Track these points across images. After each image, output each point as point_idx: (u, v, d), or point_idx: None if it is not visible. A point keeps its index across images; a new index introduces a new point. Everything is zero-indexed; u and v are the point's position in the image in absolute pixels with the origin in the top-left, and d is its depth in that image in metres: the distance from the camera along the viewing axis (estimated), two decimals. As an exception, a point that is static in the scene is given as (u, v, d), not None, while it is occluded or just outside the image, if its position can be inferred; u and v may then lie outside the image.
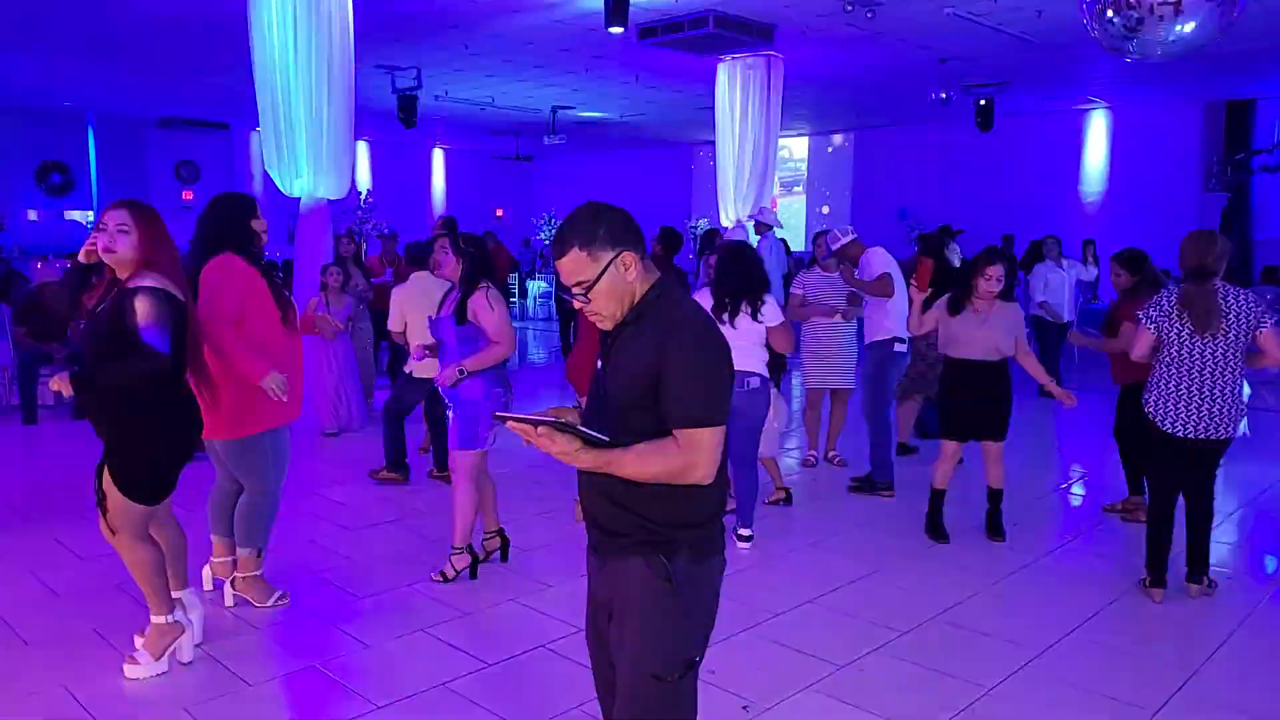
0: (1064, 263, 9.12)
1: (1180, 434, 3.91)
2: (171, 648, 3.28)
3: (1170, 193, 13.77)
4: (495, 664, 3.39)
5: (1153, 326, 3.93)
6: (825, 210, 17.96)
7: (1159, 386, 3.96)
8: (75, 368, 3.19)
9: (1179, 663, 3.44)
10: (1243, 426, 3.95)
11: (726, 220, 10.50)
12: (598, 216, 1.90)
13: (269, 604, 3.85)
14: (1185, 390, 3.88)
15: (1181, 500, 4.08)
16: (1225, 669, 3.42)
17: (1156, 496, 4.09)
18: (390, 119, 12.58)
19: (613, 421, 1.89)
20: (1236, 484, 5.71)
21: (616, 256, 1.88)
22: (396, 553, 4.60)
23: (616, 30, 7.77)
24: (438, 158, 20.52)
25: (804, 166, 18.57)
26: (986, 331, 4.54)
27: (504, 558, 4.40)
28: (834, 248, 5.91)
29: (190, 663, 3.34)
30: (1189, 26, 4.80)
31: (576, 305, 1.93)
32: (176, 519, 3.45)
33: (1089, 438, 7.17)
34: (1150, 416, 4.00)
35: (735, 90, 10.18)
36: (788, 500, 5.36)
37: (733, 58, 9.99)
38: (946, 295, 4.72)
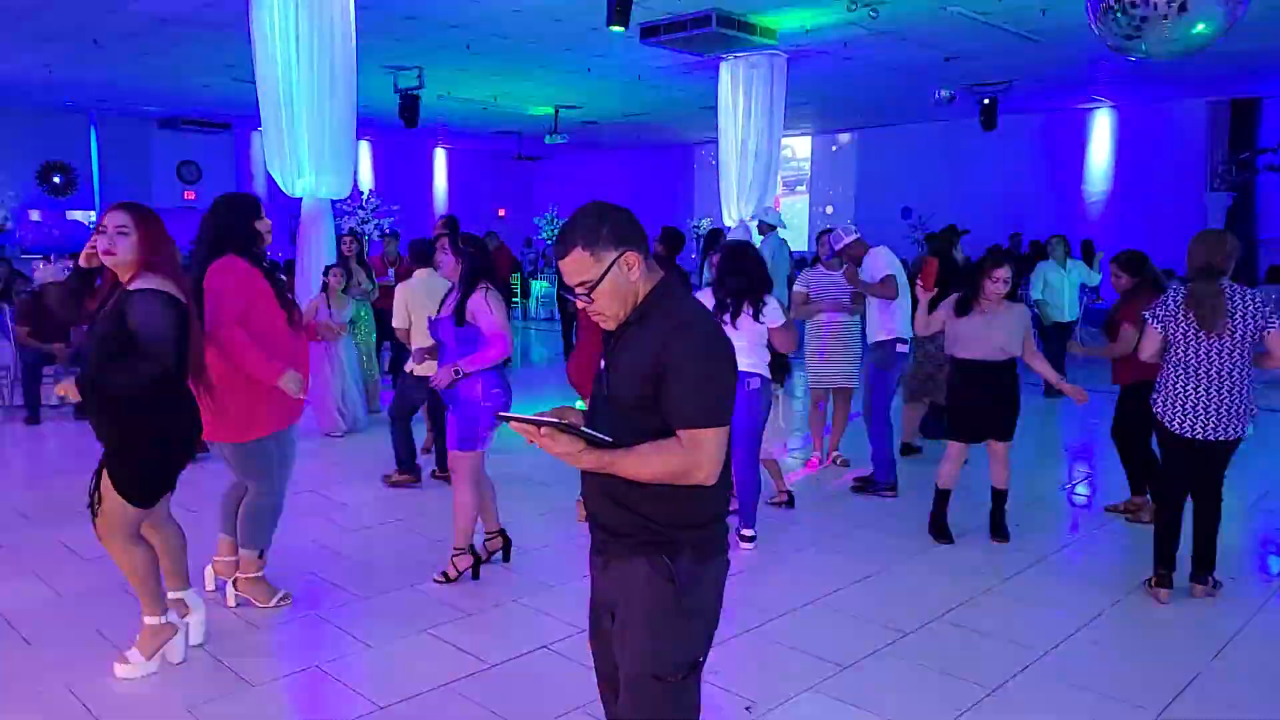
0: (1068, 263, 9.09)
1: (1188, 435, 3.90)
2: (163, 648, 3.28)
3: (1175, 192, 13.74)
4: (498, 664, 3.38)
5: (1160, 326, 3.92)
6: (829, 210, 17.94)
7: (1166, 387, 3.95)
8: (78, 368, 3.18)
9: (1183, 663, 3.43)
10: (1248, 429, 3.93)
11: (729, 220, 10.49)
12: (601, 216, 1.89)
13: (271, 604, 3.84)
14: (1192, 390, 3.87)
15: (1188, 500, 4.07)
16: (1229, 669, 3.41)
17: (1165, 497, 4.08)
18: (392, 119, 12.58)
19: (615, 422, 1.88)
20: (1240, 484, 5.69)
21: (619, 256, 1.87)
22: (399, 553, 4.59)
23: (617, 30, 7.76)
24: (440, 157, 20.53)
25: (807, 166, 18.55)
26: (993, 332, 4.53)
27: (506, 558, 4.40)
28: (837, 247, 5.90)
29: (182, 663, 3.34)
30: (1194, 25, 4.78)
31: (579, 305, 1.92)
32: (176, 520, 3.45)
33: (1092, 438, 7.16)
34: (1158, 417, 3.99)
35: (738, 89, 10.16)
36: (790, 503, 5.35)
37: (735, 56, 9.97)
38: (953, 295, 4.70)
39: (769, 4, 8.35)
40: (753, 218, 10.08)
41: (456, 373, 3.94)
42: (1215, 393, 3.83)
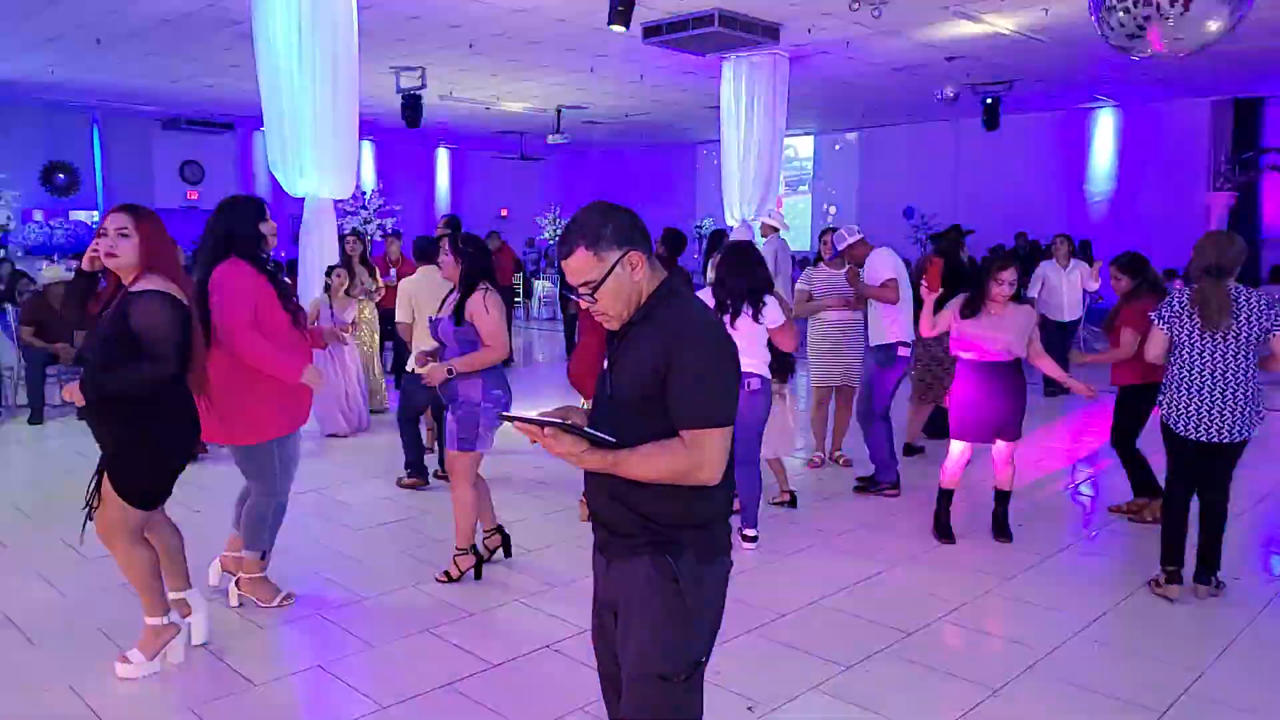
0: (1071, 263, 9.07)
1: (1192, 436, 3.90)
2: (164, 648, 3.29)
3: (1178, 191, 13.72)
4: (500, 664, 3.38)
5: (1165, 327, 3.92)
6: (832, 210, 17.94)
7: (1172, 389, 3.95)
8: (82, 370, 3.19)
9: (1186, 664, 3.42)
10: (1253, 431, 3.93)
11: (732, 219, 10.49)
12: (604, 216, 1.89)
13: (274, 604, 3.85)
14: (1197, 392, 3.86)
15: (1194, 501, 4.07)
16: (1233, 670, 3.40)
17: (1171, 497, 4.08)
18: (395, 119, 12.59)
19: (619, 421, 1.88)
20: (1244, 485, 5.67)
21: (623, 256, 1.87)
22: (401, 553, 4.60)
23: (618, 29, 7.76)
24: (442, 157, 20.55)
25: (809, 165, 18.55)
26: (999, 333, 4.53)
27: (507, 553, 4.39)
28: (840, 248, 5.89)
29: (183, 663, 3.34)
30: (1197, 24, 4.77)
31: (583, 305, 1.92)
32: (171, 520, 3.45)
33: (1096, 438, 7.15)
34: (1164, 418, 3.99)
35: (740, 89, 10.16)
36: (792, 503, 5.34)
37: (738, 56, 9.96)
38: (959, 296, 4.70)
39: (772, 3, 8.34)
40: (755, 218, 10.07)
41: (450, 372, 3.95)
42: (1219, 394, 3.83)
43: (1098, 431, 7.13)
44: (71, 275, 3.44)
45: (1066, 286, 8.91)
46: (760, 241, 9.40)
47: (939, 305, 4.77)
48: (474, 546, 4.20)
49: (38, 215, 15.12)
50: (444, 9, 8.54)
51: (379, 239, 12.47)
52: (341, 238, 8.07)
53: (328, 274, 7.09)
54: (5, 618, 3.77)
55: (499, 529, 4.41)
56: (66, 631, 3.63)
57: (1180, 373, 3.91)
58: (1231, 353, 3.80)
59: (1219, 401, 3.83)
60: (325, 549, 4.65)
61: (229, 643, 3.54)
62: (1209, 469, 3.97)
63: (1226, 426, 3.84)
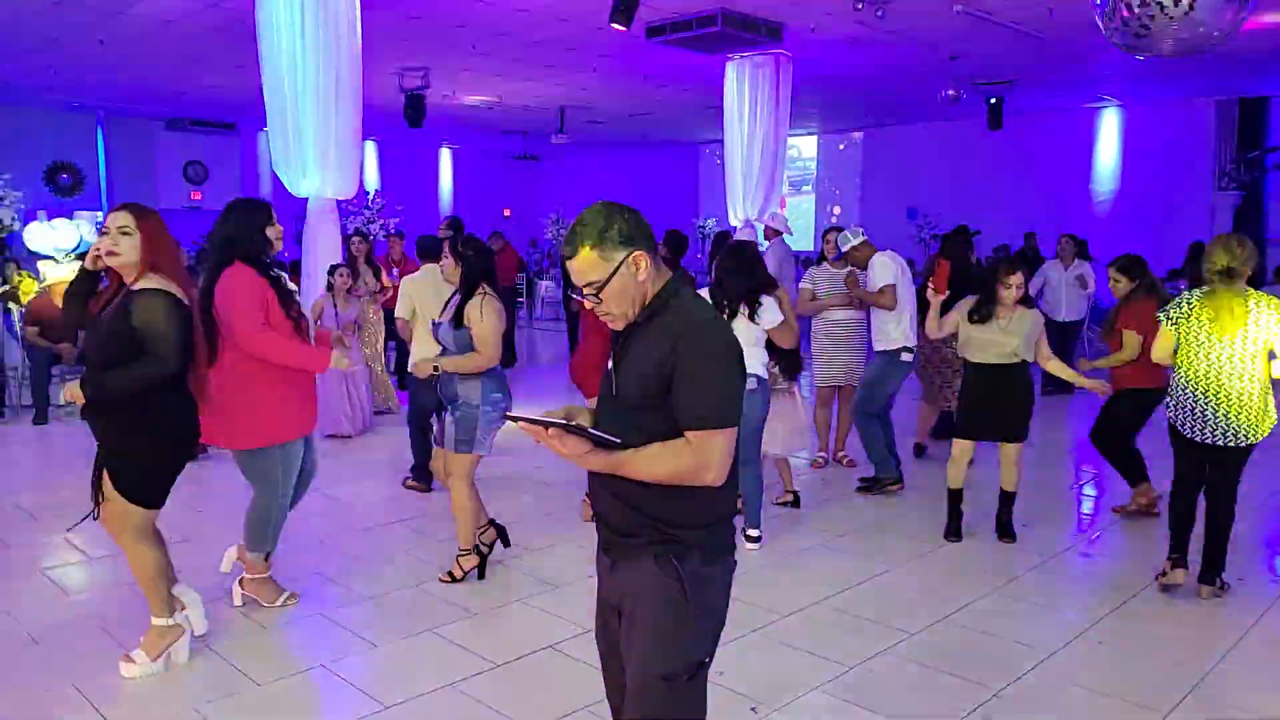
0: (1075, 263, 9.07)
1: (1197, 438, 3.90)
2: (169, 649, 3.29)
3: (1183, 191, 13.69)
4: (503, 664, 3.38)
5: (1173, 327, 3.92)
6: (836, 211, 17.92)
7: (1179, 390, 3.95)
8: (84, 369, 3.20)
9: (1190, 665, 3.42)
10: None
11: (735, 220, 10.48)
12: (609, 216, 1.89)
13: (278, 604, 3.85)
14: (1203, 394, 3.86)
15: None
16: (1237, 671, 3.40)
17: (1177, 496, 4.10)
18: (397, 119, 12.59)
19: (623, 422, 1.88)
20: (1251, 486, 5.66)
21: (628, 256, 1.87)
22: (405, 553, 4.60)
23: (619, 27, 7.76)
24: (445, 157, 20.56)
25: (813, 165, 18.53)
26: (1007, 337, 4.55)
27: (505, 543, 4.37)
28: (843, 249, 5.89)
29: (187, 663, 3.34)
30: (1201, 23, 4.76)
31: (587, 305, 1.92)
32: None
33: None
34: (1170, 420, 3.99)
35: (744, 89, 10.15)
36: (795, 503, 5.34)
37: (741, 56, 9.96)
38: (967, 298, 4.70)
39: (776, 3, 8.33)
40: (759, 219, 10.07)
41: (435, 369, 3.97)
42: (1223, 397, 3.82)
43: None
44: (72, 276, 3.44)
45: (1067, 286, 8.92)
46: (763, 245, 9.41)
47: (946, 307, 4.77)
48: (478, 547, 4.20)
49: (41, 215, 15.13)
50: (447, 9, 8.54)
51: (382, 239, 12.47)
52: (346, 238, 8.07)
53: (330, 273, 7.10)
54: (9, 617, 3.77)
55: (491, 522, 4.39)
56: (71, 631, 3.63)
57: (1188, 374, 3.90)
58: (1240, 356, 3.79)
59: (1225, 404, 3.82)
60: (329, 549, 4.65)
61: (232, 643, 3.54)
62: (1214, 471, 3.97)
63: (1231, 430, 3.84)
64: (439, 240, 5.69)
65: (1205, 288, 3.88)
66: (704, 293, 4.59)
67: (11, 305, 8.36)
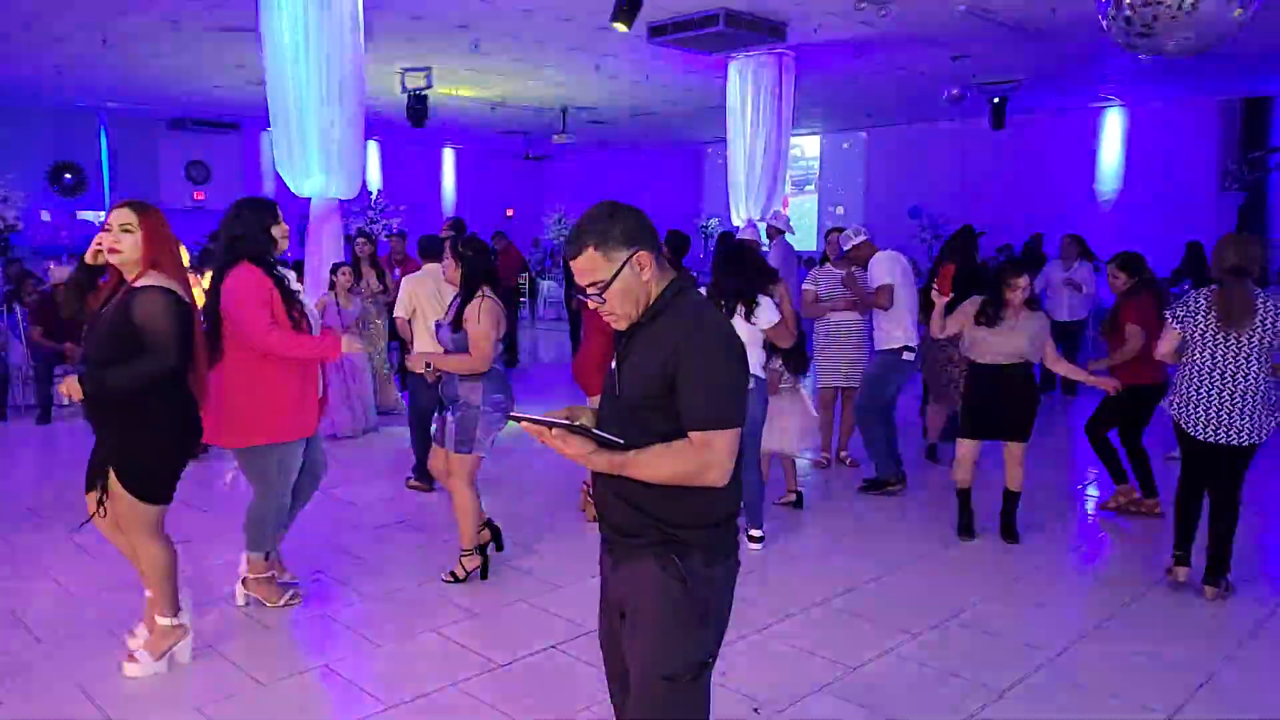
0: (1077, 264, 9.07)
1: (1200, 436, 3.91)
2: (172, 649, 3.29)
3: (1186, 191, 13.66)
4: (506, 664, 3.38)
5: (1179, 326, 3.92)
6: (840, 211, 17.90)
7: (1183, 388, 3.96)
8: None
9: (1195, 665, 3.41)
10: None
11: (738, 219, 10.47)
12: (612, 216, 1.88)
13: (281, 604, 3.85)
14: (1206, 393, 3.87)
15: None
16: (1242, 671, 3.39)
17: (1182, 494, 4.12)
18: (400, 118, 12.59)
19: (626, 422, 1.88)
20: (1252, 485, 5.65)
21: (631, 256, 1.87)
22: (407, 553, 4.60)
23: (620, 28, 7.75)
24: (448, 157, 20.55)
25: (816, 165, 18.51)
26: (1014, 339, 4.57)
27: (499, 546, 4.36)
28: (845, 248, 5.89)
29: (190, 662, 3.34)
30: (1205, 22, 4.75)
31: (591, 305, 1.92)
32: None
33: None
34: (1175, 418, 4.00)
35: (746, 88, 10.14)
36: (798, 503, 5.33)
37: (744, 56, 9.95)
38: (973, 298, 4.70)
39: (778, 2, 8.32)
40: (761, 220, 10.06)
41: (427, 365, 4.00)
42: (1227, 396, 3.84)
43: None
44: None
45: (1068, 286, 8.93)
46: (765, 245, 9.40)
47: (951, 307, 4.79)
48: (481, 547, 4.20)
49: (45, 215, 15.17)
50: (450, 8, 8.53)
51: (384, 239, 12.48)
52: (349, 238, 8.07)
53: (333, 271, 7.11)
54: (13, 616, 3.78)
55: (488, 523, 4.38)
56: (74, 631, 3.63)
57: (1192, 372, 3.92)
58: (1245, 355, 3.80)
59: (1227, 402, 3.83)
60: (331, 549, 4.65)
61: (236, 642, 3.54)
62: (1218, 470, 3.97)
63: (1235, 429, 3.84)
64: (440, 240, 5.69)
65: (1214, 286, 3.88)
66: (701, 292, 4.59)
67: (14, 305, 8.37)
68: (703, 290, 4.59)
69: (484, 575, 4.19)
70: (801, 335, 5.25)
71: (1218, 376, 3.85)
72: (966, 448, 4.76)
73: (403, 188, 18.12)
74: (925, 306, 5.49)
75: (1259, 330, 3.78)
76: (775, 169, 10.26)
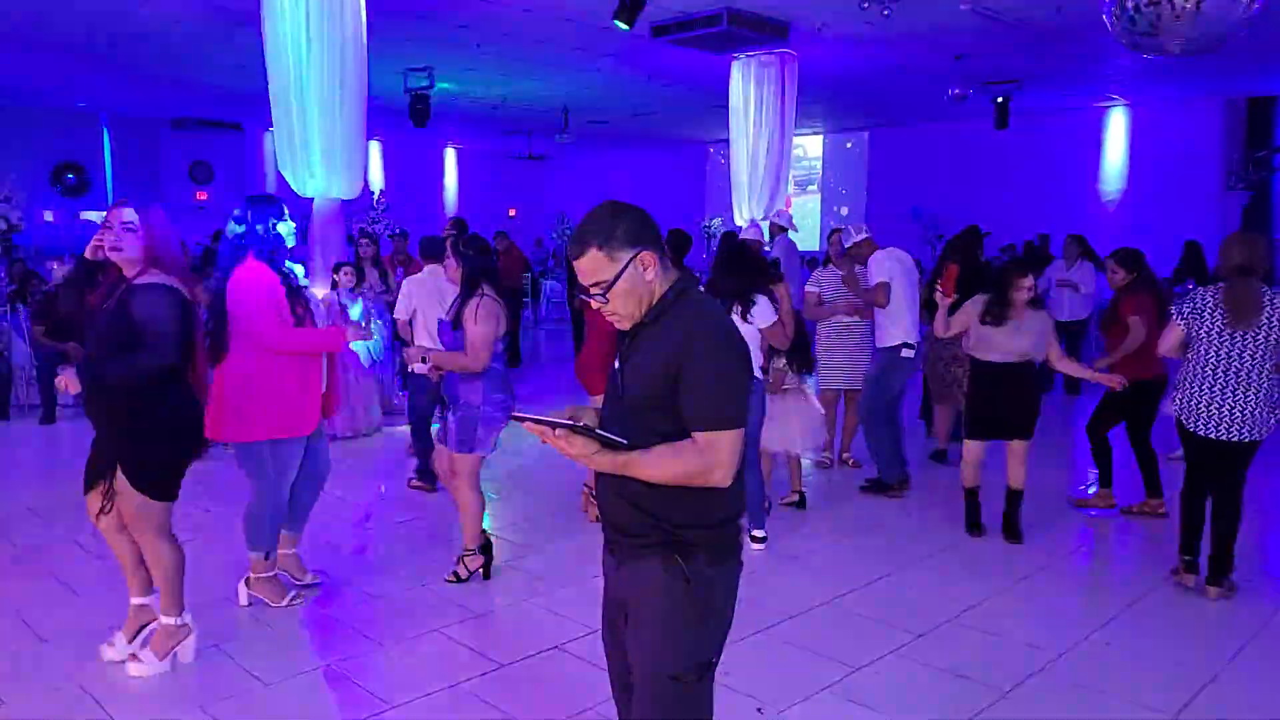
0: (1079, 264, 9.07)
1: (1201, 433, 3.92)
2: (176, 648, 3.29)
3: (1191, 191, 13.63)
4: (509, 664, 3.38)
5: (1183, 323, 3.94)
6: (843, 211, 17.88)
7: (1187, 385, 3.97)
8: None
9: (1199, 666, 3.40)
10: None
11: (741, 219, 10.47)
12: (616, 216, 1.88)
13: (284, 603, 3.85)
14: (1209, 389, 3.89)
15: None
16: (1246, 672, 3.38)
17: (1187, 493, 4.12)
18: (402, 118, 12.60)
19: (630, 422, 1.88)
20: (1256, 485, 5.64)
21: (635, 256, 1.86)
22: (410, 553, 4.60)
23: (621, 26, 7.75)
24: (450, 157, 20.56)
25: (818, 165, 18.50)
26: (1019, 338, 4.58)
27: (485, 575, 4.29)
28: (846, 244, 5.89)
29: (193, 662, 3.34)
30: (1209, 21, 4.74)
31: (594, 305, 1.91)
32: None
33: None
34: (1177, 415, 4.01)
35: (749, 88, 10.13)
36: (801, 504, 5.33)
37: (747, 55, 9.95)
38: (977, 297, 4.70)
39: (781, 2, 8.31)
40: (765, 219, 10.06)
41: (424, 360, 4.03)
42: (1234, 393, 3.85)
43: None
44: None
45: (1065, 287, 8.94)
46: (768, 244, 9.39)
47: (955, 308, 4.79)
48: (484, 547, 4.19)
49: (48, 215, 15.19)
50: (452, 8, 8.54)
51: (387, 239, 12.47)
52: (352, 238, 8.07)
53: (335, 270, 7.11)
54: (17, 615, 3.78)
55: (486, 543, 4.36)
56: (77, 629, 3.64)
57: (1197, 370, 3.93)
58: (1250, 352, 3.81)
59: (1235, 400, 3.85)
60: (334, 549, 4.65)
61: (239, 642, 3.54)
62: (1222, 468, 3.97)
63: (1237, 425, 3.86)
64: (441, 241, 5.69)
65: (1221, 284, 3.89)
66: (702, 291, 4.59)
67: (18, 305, 8.38)
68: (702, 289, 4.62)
69: (487, 575, 4.19)
70: (805, 334, 5.25)
71: (1222, 373, 3.86)
72: (974, 449, 4.76)
73: (405, 188, 18.13)
74: (929, 306, 5.49)
75: (1265, 328, 3.80)
76: (778, 169, 10.26)
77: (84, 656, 3.40)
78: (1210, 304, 3.87)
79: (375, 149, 18.36)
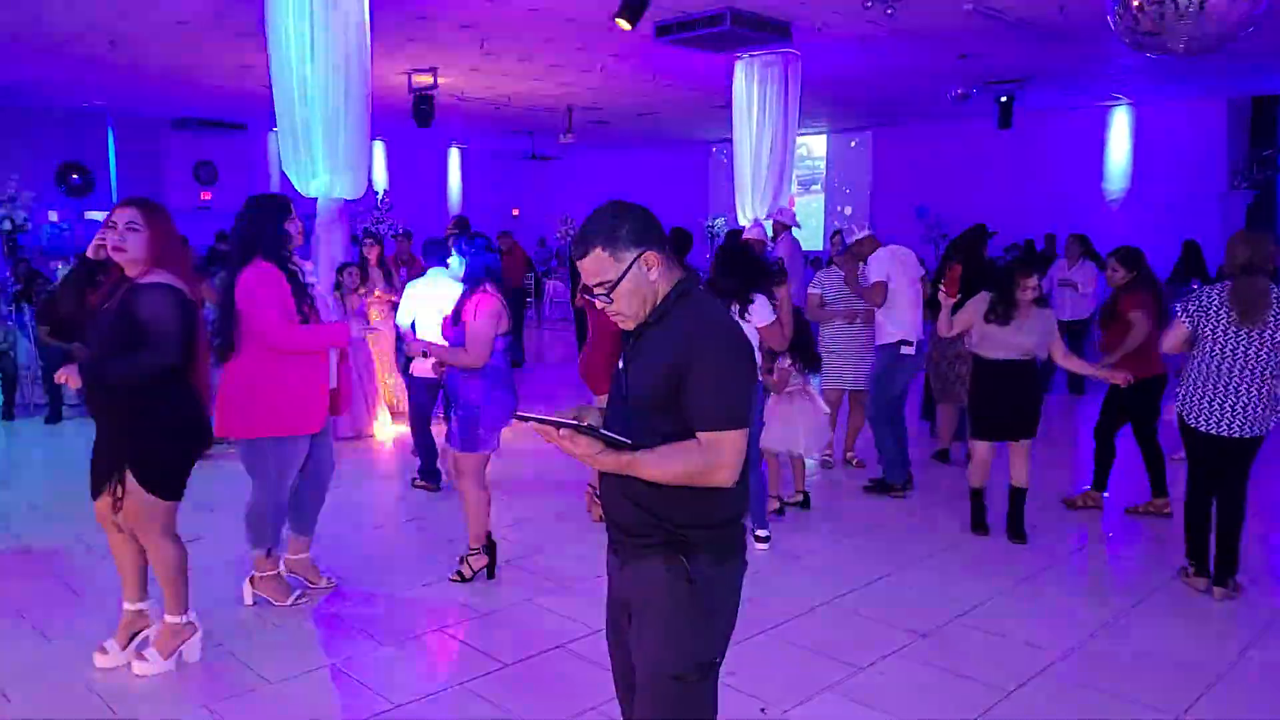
0: (1081, 263, 9.07)
1: (1203, 429, 3.92)
2: (181, 647, 3.30)
3: (1195, 191, 13.60)
4: (513, 664, 3.38)
5: (1188, 321, 3.94)
6: (848, 211, 17.87)
7: (1190, 382, 3.97)
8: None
9: (1203, 666, 3.40)
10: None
11: (744, 219, 10.47)
12: (619, 216, 1.88)
13: (289, 603, 3.86)
14: (1214, 386, 3.90)
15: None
16: (1251, 673, 3.38)
17: (1191, 493, 4.12)
18: (406, 118, 12.61)
19: (633, 422, 1.88)
20: (1258, 485, 5.63)
21: (639, 256, 1.87)
22: (414, 553, 4.61)
23: (624, 25, 7.75)
24: (454, 157, 20.57)
25: (822, 165, 18.49)
26: (1023, 337, 4.59)
27: (490, 573, 4.32)
28: (848, 241, 5.90)
29: (198, 661, 3.35)
30: (1212, 21, 4.74)
31: (598, 305, 1.92)
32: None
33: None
34: (1179, 413, 4.01)
35: (752, 88, 10.13)
36: (805, 504, 5.33)
37: (750, 55, 9.94)
38: (981, 295, 4.70)
39: (784, 1, 8.31)
40: (768, 217, 10.05)
41: (424, 354, 4.04)
42: (1237, 390, 3.86)
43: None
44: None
45: (1057, 288, 8.96)
46: (770, 243, 9.38)
47: (958, 308, 4.79)
48: (487, 546, 4.20)
49: (52, 215, 15.23)
50: (455, 8, 8.54)
51: (391, 239, 12.49)
52: (357, 239, 8.08)
53: (339, 271, 7.12)
54: (20, 614, 3.79)
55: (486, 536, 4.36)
56: (82, 628, 3.65)
57: (1201, 367, 3.93)
58: (1256, 349, 3.83)
59: (1239, 397, 3.86)
60: (339, 548, 4.65)
61: (244, 641, 3.55)
62: (1226, 465, 3.98)
63: (1239, 422, 3.87)
64: (442, 242, 5.70)
65: (1227, 282, 3.90)
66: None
67: (24, 304, 8.40)
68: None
69: (491, 574, 4.20)
70: (808, 333, 5.25)
71: (1226, 370, 3.86)
72: (981, 449, 4.78)
73: (409, 188, 18.14)
74: (932, 305, 5.49)
75: (1272, 326, 3.80)
76: (781, 168, 10.25)
77: (89, 655, 3.41)
78: (1217, 302, 3.88)
79: (379, 149, 18.37)
